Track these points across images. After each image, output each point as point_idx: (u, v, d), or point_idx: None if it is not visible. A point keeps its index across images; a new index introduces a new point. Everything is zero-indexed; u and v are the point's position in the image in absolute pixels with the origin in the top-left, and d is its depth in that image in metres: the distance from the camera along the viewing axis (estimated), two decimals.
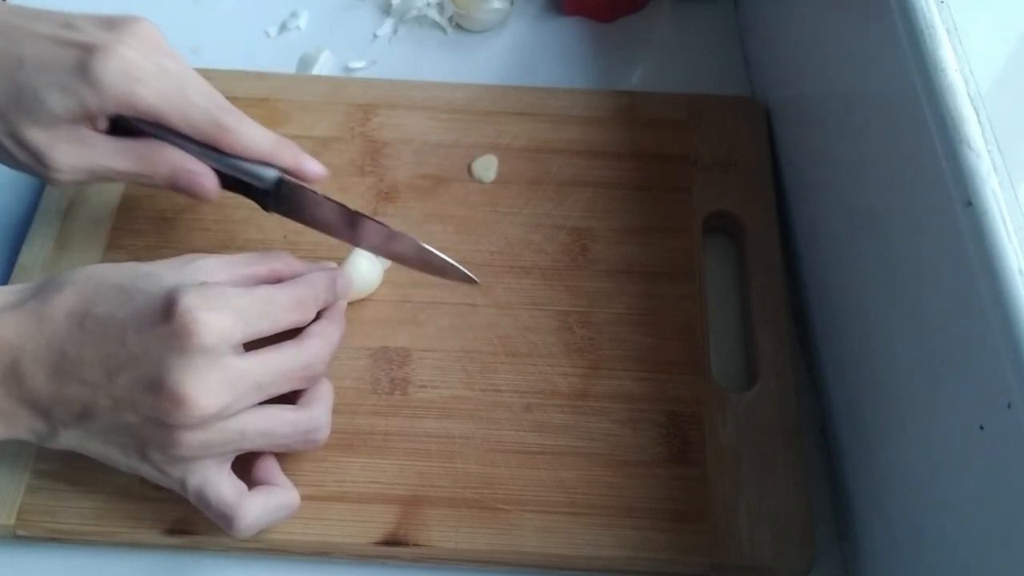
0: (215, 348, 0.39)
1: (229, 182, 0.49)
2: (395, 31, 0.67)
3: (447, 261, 0.49)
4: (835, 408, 0.51)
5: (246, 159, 0.48)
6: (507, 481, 0.47)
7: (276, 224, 0.52)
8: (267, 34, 0.67)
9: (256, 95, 0.60)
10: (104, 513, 0.46)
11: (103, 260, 0.54)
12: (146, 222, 0.55)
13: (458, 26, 0.67)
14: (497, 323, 0.52)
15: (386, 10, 0.68)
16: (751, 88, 0.64)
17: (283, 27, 0.67)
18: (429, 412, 0.49)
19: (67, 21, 0.46)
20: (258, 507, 0.42)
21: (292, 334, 0.43)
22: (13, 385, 0.40)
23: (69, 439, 0.42)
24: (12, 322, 0.41)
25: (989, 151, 0.36)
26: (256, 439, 0.42)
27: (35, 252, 0.54)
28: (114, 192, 0.56)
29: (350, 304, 0.50)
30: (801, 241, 0.56)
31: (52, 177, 0.47)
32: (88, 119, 0.46)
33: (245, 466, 0.44)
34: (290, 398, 0.44)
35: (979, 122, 0.37)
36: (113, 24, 0.46)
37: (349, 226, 0.49)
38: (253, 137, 0.48)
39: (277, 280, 0.45)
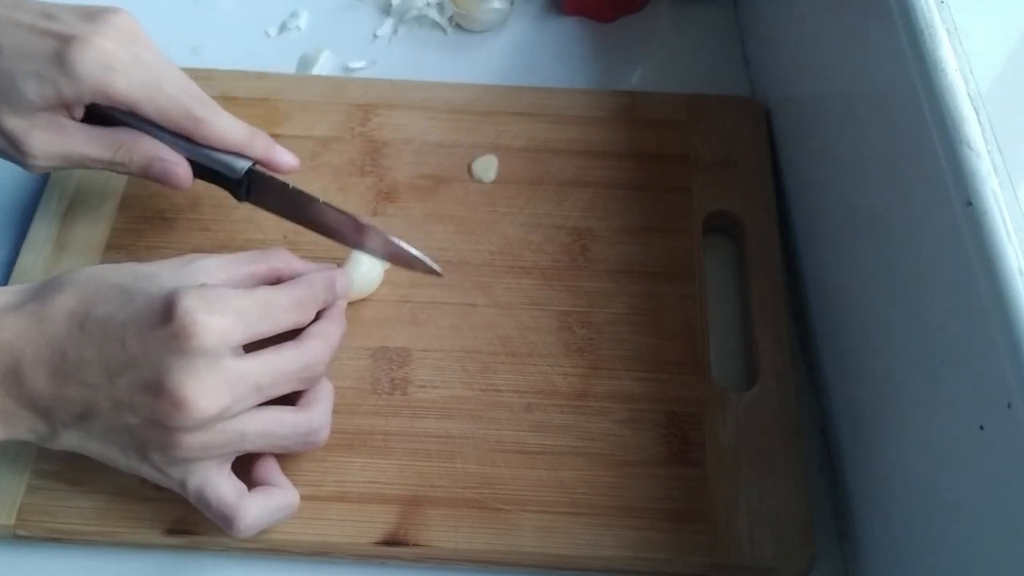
0: (215, 350, 0.39)
1: (202, 171, 0.49)
2: (395, 31, 0.67)
3: (412, 253, 0.49)
4: (835, 408, 0.51)
5: (219, 150, 0.49)
6: (507, 481, 0.47)
7: (276, 224, 0.52)
8: (267, 34, 0.67)
9: (256, 95, 0.60)
10: (104, 513, 0.46)
11: (103, 260, 0.54)
12: (146, 222, 0.55)
13: (458, 26, 0.67)
14: (497, 323, 0.52)
15: (386, 10, 0.68)
16: (751, 88, 0.64)
17: (283, 27, 0.67)
18: (429, 412, 0.49)
19: (47, 11, 0.47)
20: (258, 507, 0.42)
21: (292, 335, 0.43)
22: (13, 386, 0.40)
23: (69, 440, 0.42)
24: (12, 323, 0.41)
25: (989, 151, 0.36)
26: (256, 440, 0.42)
27: (35, 252, 0.54)
28: (114, 192, 0.56)
29: (350, 304, 0.50)
30: (801, 241, 0.56)
31: (28, 163, 0.48)
32: (64, 107, 0.47)
33: (245, 467, 0.44)
34: (290, 399, 0.44)
35: (979, 122, 0.37)
36: (92, 15, 0.47)
37: (319, 217, 0.49)
38: (226, 128, 0.49)
39: (277, 278, 0.45)
